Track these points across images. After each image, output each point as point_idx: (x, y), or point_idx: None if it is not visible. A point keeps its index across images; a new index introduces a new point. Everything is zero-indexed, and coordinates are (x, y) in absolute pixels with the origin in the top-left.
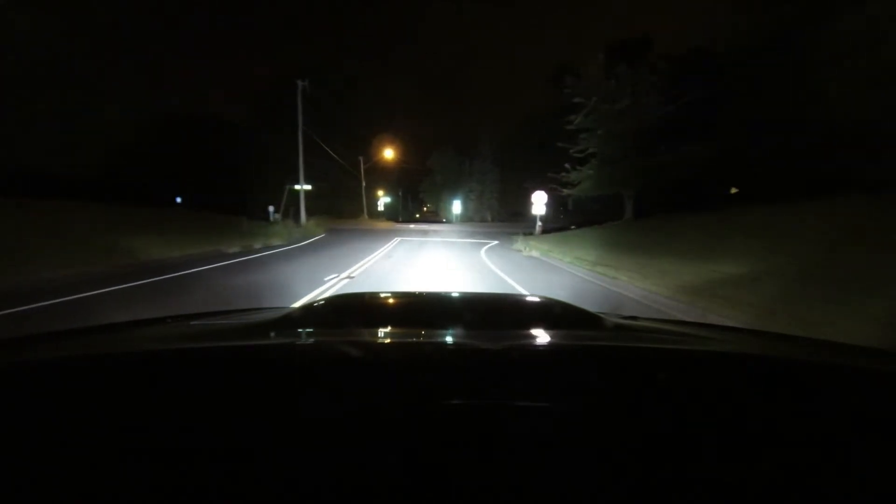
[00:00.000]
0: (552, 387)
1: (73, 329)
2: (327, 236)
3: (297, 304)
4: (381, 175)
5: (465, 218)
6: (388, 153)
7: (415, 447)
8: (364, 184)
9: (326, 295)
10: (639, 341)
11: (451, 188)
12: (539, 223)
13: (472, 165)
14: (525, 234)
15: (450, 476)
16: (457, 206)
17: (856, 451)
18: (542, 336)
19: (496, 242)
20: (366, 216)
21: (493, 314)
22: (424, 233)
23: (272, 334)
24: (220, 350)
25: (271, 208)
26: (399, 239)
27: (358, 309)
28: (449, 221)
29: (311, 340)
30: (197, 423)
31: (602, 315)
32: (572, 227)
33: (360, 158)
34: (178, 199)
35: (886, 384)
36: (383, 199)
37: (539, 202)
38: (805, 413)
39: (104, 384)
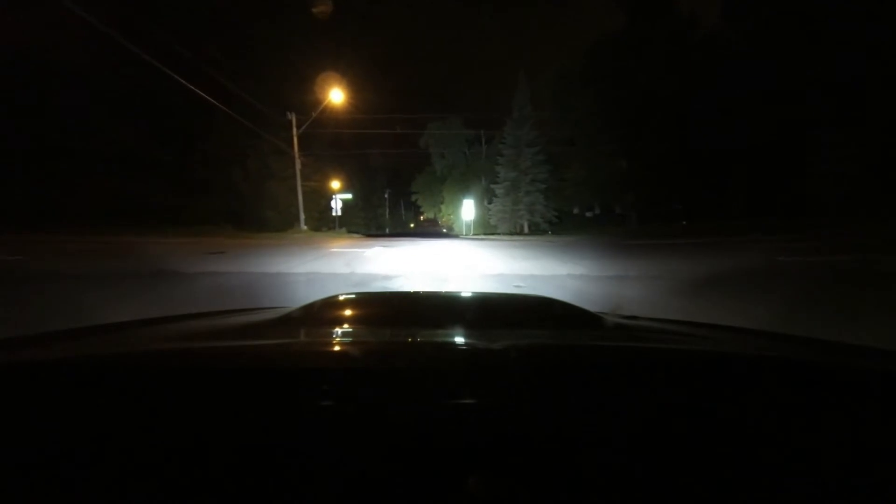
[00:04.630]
0: (553, 386)
1: (71, 329)
2: None
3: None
4: (366, 171)
5: (486, 228)
6: (337, 96)
7: (416, 447)
8: (299, 165)
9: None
10: (640, 341)
11: (459, 182)
12: None
13: (493, 144)
14: None
15: (452, 478)
16: (469, 210)
17: (859, 452)
18: (542, 335)
19: None
20: (302, 225)
21: (493, 313)
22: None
23: (272, 334)
24: (219, 350)
25: None
26: None
27: (358, 308)
28: (453, 234)
29: (312, 340)
30: (195, 424)
31: (602, 314)
32: None
33: (291, 116)
34: None
35: (888, 384)
36: (339, 197)
37: None
38: (806, 414)
39: (99, 385)
